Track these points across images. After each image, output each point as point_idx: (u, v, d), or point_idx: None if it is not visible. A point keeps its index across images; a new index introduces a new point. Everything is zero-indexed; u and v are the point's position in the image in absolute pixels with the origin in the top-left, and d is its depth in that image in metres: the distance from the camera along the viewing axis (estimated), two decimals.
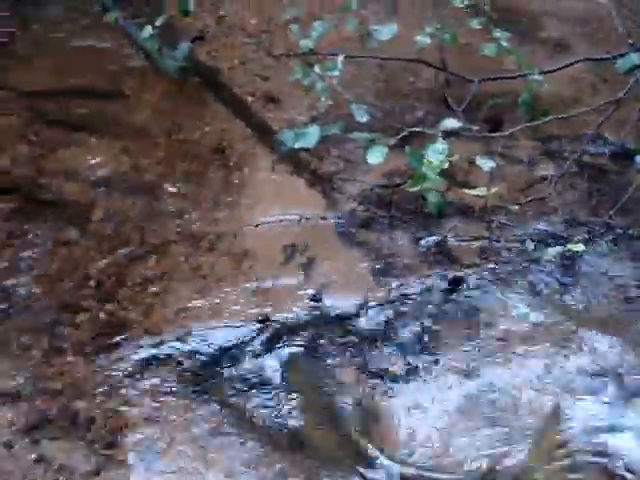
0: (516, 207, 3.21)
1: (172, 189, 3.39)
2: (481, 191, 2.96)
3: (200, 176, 3.44)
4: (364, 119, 2.98)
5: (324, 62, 3.35)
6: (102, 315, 2.81)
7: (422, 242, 3.05)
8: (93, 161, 3.47)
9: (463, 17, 3.75)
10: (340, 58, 2.99)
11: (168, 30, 4.17)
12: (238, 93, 3.97)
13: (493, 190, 2.97)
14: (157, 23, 3.67)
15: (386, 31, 3.40)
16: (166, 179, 3.41)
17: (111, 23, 4.83)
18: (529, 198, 3.33)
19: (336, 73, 2.96)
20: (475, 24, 3.63)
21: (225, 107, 3.91)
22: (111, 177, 3.40)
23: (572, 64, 3.84)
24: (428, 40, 3.41)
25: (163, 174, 3.46)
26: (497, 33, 3.45)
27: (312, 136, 2.78)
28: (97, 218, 3.20)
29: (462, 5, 3.67)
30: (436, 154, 2.73)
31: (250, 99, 3.90)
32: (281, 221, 3.13)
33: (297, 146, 2.77)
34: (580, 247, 2.81)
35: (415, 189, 2.83)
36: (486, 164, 2.95)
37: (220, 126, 3.76)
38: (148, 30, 3.65)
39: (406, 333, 2.68)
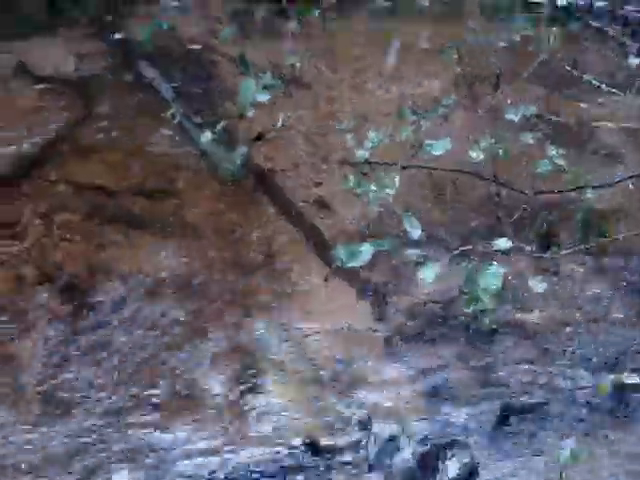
0: (568, 329, 3.15)
1: (221, 293, 3.40)
2: (533, 314, 2.92)
3: (250, 281, 3.46)
4: (417, 236, 2.98)
5: (377, 171, 3.40)
6: None
7: (472, 363, 3.01)
8: (146, 262, 3.51)
9: (517, 130, 3.80)
10: (397, 177, 3.02)
11: (225, 129, 4.29)
12: (291, 197, 4.04)
13: (545, 313, 2.93)
14: (217, 128, 3.76)
15: (440, 145, 3.43)
16: (216, 283, 3.43)
17: (169, 118, 5.03)
18: (582, 318, 3.27)
19: (392, 192, 2.99)
20: (528, 138, 3.66)
21: (277, 210, 3.97)
22: (162, 279, 3.42)
23: (628, 179, 3.84)
24: (482, 156, 3.43)
25: (213, 278, 3.48)
26: (551, 151, 3.47)
27: (365, 254, 2.79)
28: (146, 320, 3.22)
29: (516, 119, 3.71)
30: (490, 278, 2.71)
31: (302, 204, 3.96)
32: (329, 331, 3.12)
33: (350, 264, 2.78)
34: (635, 379, 2.73)
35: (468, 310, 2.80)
36: (539, 286, 2.92)
37: (271, 229, 3.81)
38: (207, 135, 3.74)
39: (455, 463, 2.61)
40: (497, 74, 3.85)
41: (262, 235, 3.74)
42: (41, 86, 5.54)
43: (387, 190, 3.01)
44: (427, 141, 3.43)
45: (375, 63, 5.93)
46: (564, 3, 4.02)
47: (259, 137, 4.28)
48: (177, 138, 4.69)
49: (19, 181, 4.10)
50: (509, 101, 3.89)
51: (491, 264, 2.79)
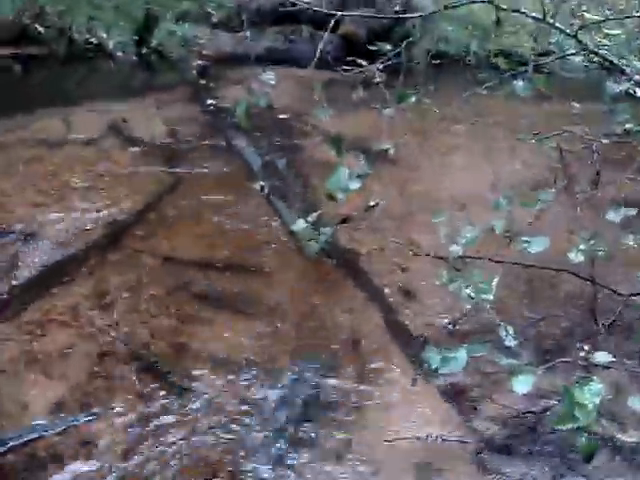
0: None
1: (301, 379, 3.33)
2: (631, 435, 2.75)
3: (331, 369, 3.37)
4: (512, 344, 2.86)
5: (471, 266, 3.31)
6: None
7: None
8: (228, 343, 3.48)
9: (617, 230, 3.65)
10: (494, 282, 2.91)
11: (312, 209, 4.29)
12: (375, 282, 3.97)
13: None
14: (309, 218, 3.74)
15: (538, 243, 3.32)
16: (296, 369, 3.36)
17: (258, 190, 5.07)
18: None
19: (490, 297, 2.88)
20: (630, 240, 3.51)
21: (361, 294, 3.90)
22: (244, 362, 3.38)
23: None
24: (582, 257, 3.29)
25: (294, 362, 3.41)
26: None
27: (460, 361, 2.67)
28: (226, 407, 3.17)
29: (617, 219, 3.56)
30: (590, 396, 2.55)
31: (387, 290, 3.88)
32: (417, 438, 2.99)
33: (443, 371, 2.67)
34: None
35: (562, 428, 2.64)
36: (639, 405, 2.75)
37: (355, 315, 3.74)
38: (300, 224, 3.72)
39: None
40: (597, 170, 3.72)
41: (346, 319, 3.67)
42: (134, 149, 5.69)
43: (484, 296, 2.90)
44: (524, 237, 3.32)
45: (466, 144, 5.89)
46: None
47: (345, 220, 4.26)
48: (264, 212, 4.71)
49: (109, 249, 4.17)
50: (610, 198, 3.74)
51: (591, 379, 2.64)
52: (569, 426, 2.64)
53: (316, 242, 3.98)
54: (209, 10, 9.92)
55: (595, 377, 2.64)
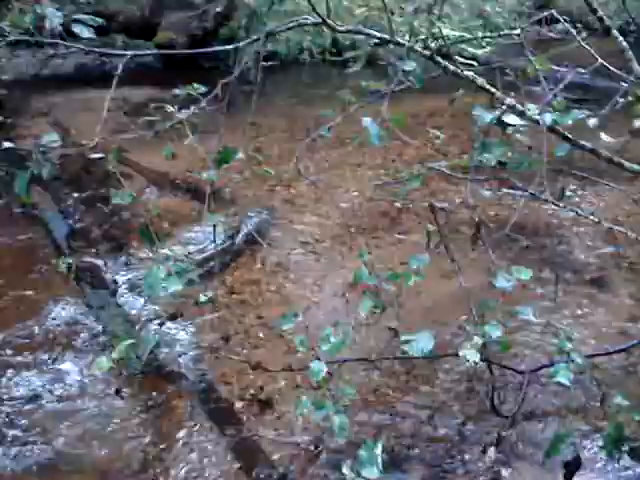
0: None
1: None
2: None
3: None
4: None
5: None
6: None
7: None
8: None
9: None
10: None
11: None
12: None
13: None
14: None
15: (423, 341, 2.60)
16: None
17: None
18: None
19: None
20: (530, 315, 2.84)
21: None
22: None
23: None
24: (477, 357, 2.59)
25: None
26: None
27: None
28: None
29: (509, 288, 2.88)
30: None
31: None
32: None
33: None
34: None
35: None
36: None
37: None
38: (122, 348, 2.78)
39: None
40: (477, 223, 3.01)
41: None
42: None
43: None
44: (405, 336, 2.58)
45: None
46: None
47: (173, 316, 3.37)
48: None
49: None
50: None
51: None
52: None
53: (137, 358, 3.05)
54: (2, 26, 8.57)
55: None
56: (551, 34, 7.26)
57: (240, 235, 4.12)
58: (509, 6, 9.65)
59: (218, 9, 8.43)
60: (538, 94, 2.73)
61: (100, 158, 5.58)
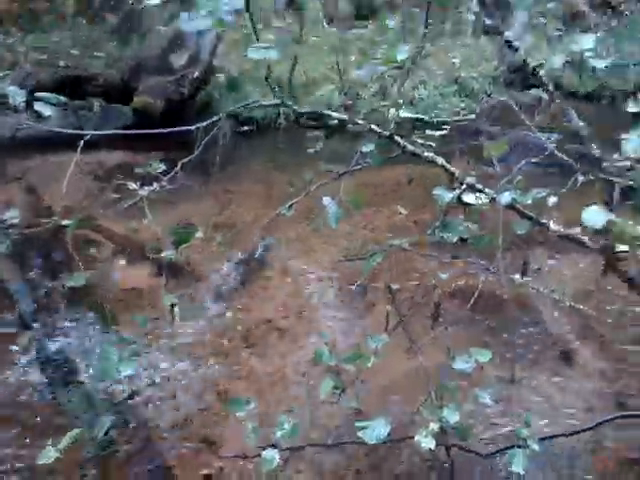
0: None
1: None
2: None
3: None
4: None
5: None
6: None
7: None
8: None
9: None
10: None
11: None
12: None
13: None
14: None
15: (378, 428, 2.55)
16: None
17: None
18: None
19: None
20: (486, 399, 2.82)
21: None
22: None
23: None
24: (432, 443, 2.55)
25: None
26: None
27: None
28: None
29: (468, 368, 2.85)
30: None
31: None
32: None
33: None
34: None
35: None
36: None
37: None
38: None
39: None
40: (437, 302, 3.00)
41: None
42: None
43: None
44: (361, 423, 2.54)
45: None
46: None
47: (131, 396, 3.31)
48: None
49: None
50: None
51: None
52: None
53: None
54: None
55: None
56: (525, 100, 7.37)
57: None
58: (484, 71, 9.79)
59: (196, 74, 8.51)
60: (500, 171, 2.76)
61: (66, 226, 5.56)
